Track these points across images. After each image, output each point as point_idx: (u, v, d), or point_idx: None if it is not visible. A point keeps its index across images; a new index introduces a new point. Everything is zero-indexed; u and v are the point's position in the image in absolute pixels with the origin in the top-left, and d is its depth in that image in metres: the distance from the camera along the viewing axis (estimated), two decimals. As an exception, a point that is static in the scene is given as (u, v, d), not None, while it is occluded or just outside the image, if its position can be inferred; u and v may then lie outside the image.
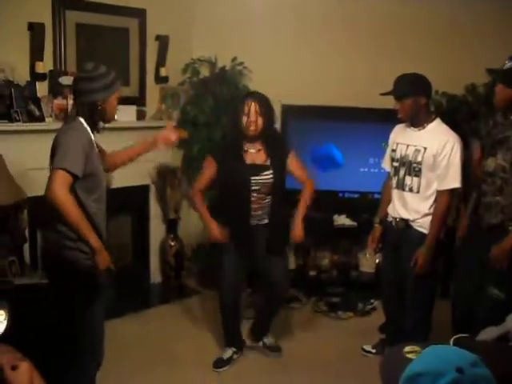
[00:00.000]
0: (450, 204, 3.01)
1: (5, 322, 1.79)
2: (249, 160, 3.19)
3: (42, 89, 3.72)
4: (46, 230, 2.61)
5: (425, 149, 2.98)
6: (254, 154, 3.21)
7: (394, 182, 3.17)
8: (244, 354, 3.54)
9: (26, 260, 3.65)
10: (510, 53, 2.90)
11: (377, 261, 4.37)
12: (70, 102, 3.63)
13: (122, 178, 3.82)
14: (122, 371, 3.20)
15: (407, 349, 1.41)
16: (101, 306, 2.60)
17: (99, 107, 2.49)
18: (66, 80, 3.76)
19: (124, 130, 3.97)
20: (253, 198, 3.16)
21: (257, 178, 3.15)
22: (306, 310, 4.26)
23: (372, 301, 4.26)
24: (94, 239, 2.44)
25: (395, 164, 3.15)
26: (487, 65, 2.92)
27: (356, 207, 4.43)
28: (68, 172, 2.34)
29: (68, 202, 2.34)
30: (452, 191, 2.99)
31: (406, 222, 3.11)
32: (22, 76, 3.62)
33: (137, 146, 2.91)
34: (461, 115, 4.13)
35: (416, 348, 1.40)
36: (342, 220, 4.48)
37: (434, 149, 2.94)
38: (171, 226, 4.60)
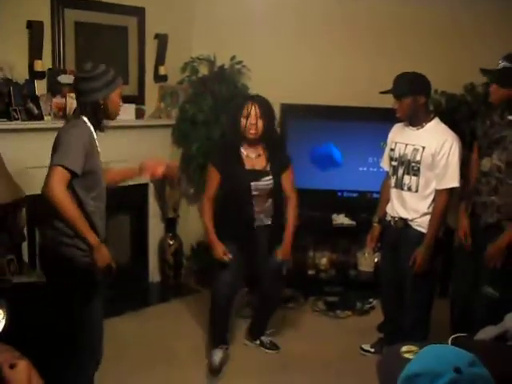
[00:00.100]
0: (448, 203, 3.02)
1: (3, 321, 1.79)
2: (249, 165, 3.18)
3: (40, 87, 3.71)
4: (43, 226, 2.61)
5: (423, 148, 2.98)
6: (254, 159, 3.20)
7: (393, 181, 3.17)
8: (243, 353, 3.54)
9: (24, 258, 3.65)
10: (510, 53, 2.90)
11: (375, 260, 4.37)
12: (70, 100, 3.65)
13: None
14: (120, 369, 3.20)
15: (404, 348, 1.41)
16: (99, 304, 2.60)
17: (101, 105, 2.49)
18: (65, 78, 3.75)
19: (123, 128, 3.96)
20: (254, 202, 3.17)
21: (257, 183, 3.15)
22: (305, 309, 4.25)
23: (371, 300, 4.26)
24: (91, 236, 2.44)
25: (394, 163, 3.15)
26: (486, 65, 2.92)
27: (355, 206, 4.43)
28: (66, 169, 2.34)
29: (65, 199, 2.34)
30: (451, 190, 2.99)
31: (404, 221, 3.11)
32: (20, 74, 3.61)
33: (125, 170, 2.91)
34: (460, 115, 4.13)
35: (413, 348, 1.40)
36: (340, 219, 4.47)
37: (433, 148, 2.95)
38: (170, 224, 4.60)
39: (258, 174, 3.16)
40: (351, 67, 4.39)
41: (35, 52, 3.67)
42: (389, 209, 3.23)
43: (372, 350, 3.57)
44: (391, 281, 3.27)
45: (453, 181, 2.96)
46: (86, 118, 2.49)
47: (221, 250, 3.18)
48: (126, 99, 3.92)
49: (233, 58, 4.40)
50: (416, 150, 3.01)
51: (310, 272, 4.59)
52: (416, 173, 3.02)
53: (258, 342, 3.64)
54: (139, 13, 4.25)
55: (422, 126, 3.03)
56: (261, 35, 4.38)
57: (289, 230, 3.28)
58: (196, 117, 4.31)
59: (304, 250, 4.60)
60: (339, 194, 4.46)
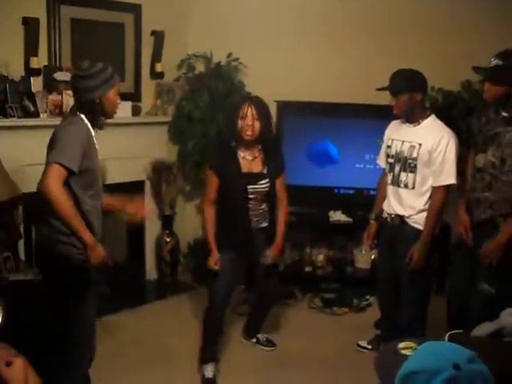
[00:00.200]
0: (445, 200, 3.02)
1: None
2: (245, 168, 3.15)
3: (36, 84, 3.70)
4: (40, 224, 2.60)
5: (420, 145, 2.98)
6: (251, 161, 3.17)
7: (390, 178, 3.17)
8: (239, 351, 3.54)
9: (20, 256, 3.64)
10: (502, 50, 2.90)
11: (372, 257, 4.37)
12: (67, 97, 3.63)
13: (117, 174, 3.82)
14: (117, 367, 3.20)
15: (401, 345, 1.41)
16: (92, 301, 2.59)
17: (98, 103, 2.48)
18: (61, 75, 3.74)
19: (119, 125, 3.94)
20: (250, 205, 3.16)
21: (253, 186, 3.13)
22: (302, 306, 4.26)
23: (367, 297, 4.27)
24: (86, 234, 2.44)
25: (390, 160, 3.15)
26: (483, 62, 2.92)
27: (351, 203, 4.43)
28: (63, 166, 2.33)
29: (61, 197, 2.33)
30: (447, 187, 2.99)
31: (401, 218, 3.11)
32: (16, 71, 3.60)
33: (110, 200, 2.76)
34: (456, 111, 4.14)
35: (410, 344, 1.40)
36: (337, 216, 4.48)
37: (429, 145, 2.95)
38: (167, 222, 4.59)
39: (254, 177, 3.15)
40: (348, 64, 4.39)
41: (31, 49, 3.65)
42: (385, 206, 3.23)
43: (369, 346, 3.58)
44: (388, 278, 3.28)
45: (449, 178, 2.96)
46: (83, 116, 2.48)
47: (212, 261, 3.16)
48: (123, 96, 3.88)
49: (229, 55, 4.39)
50: (413, 146, 3.01)
51: (307, 269, 4.59)
52: (413, 170, 3.03)
53: (254, 340, 3.64)
54: (135, 9, 4.24)
55: (419, 123, 3.03)
56: (257, 32, 4.37)
57: (280, 231, 3.28)
58: (192, 114, 4.30)
59: (301, 246, 4.61)
60: (336, 190, 4.46)
